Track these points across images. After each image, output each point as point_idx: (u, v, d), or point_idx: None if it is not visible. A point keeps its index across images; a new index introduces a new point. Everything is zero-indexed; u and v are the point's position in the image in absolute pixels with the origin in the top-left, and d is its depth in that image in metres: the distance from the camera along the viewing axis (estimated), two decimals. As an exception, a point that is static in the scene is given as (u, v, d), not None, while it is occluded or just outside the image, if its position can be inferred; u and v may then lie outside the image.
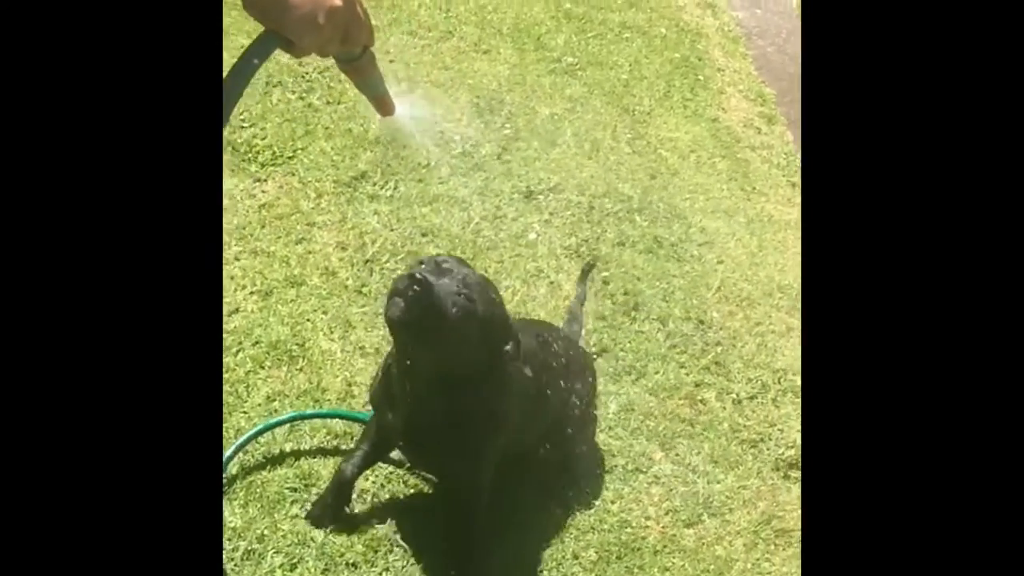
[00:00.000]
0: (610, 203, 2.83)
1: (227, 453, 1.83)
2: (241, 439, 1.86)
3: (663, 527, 1.97)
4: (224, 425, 1.94)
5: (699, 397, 2.28)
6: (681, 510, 2.01)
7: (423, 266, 1.51)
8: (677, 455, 2.13)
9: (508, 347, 1.56)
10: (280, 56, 3.14)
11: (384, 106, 1.30)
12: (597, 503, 1.98)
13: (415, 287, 1.44)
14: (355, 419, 1.98)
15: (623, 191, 2.89)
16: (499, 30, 3.57)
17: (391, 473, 1.94)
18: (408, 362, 1.59)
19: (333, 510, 1.80)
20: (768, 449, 2.19)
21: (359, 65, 1.19)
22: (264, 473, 1.88)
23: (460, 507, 1.78)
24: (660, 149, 3.14)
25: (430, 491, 1.91)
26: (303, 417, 1.97)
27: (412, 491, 1.92)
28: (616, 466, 2.07)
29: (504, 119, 3.10)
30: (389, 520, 1.85)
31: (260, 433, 1.90)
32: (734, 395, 2.29)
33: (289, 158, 2.73)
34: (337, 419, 1.99)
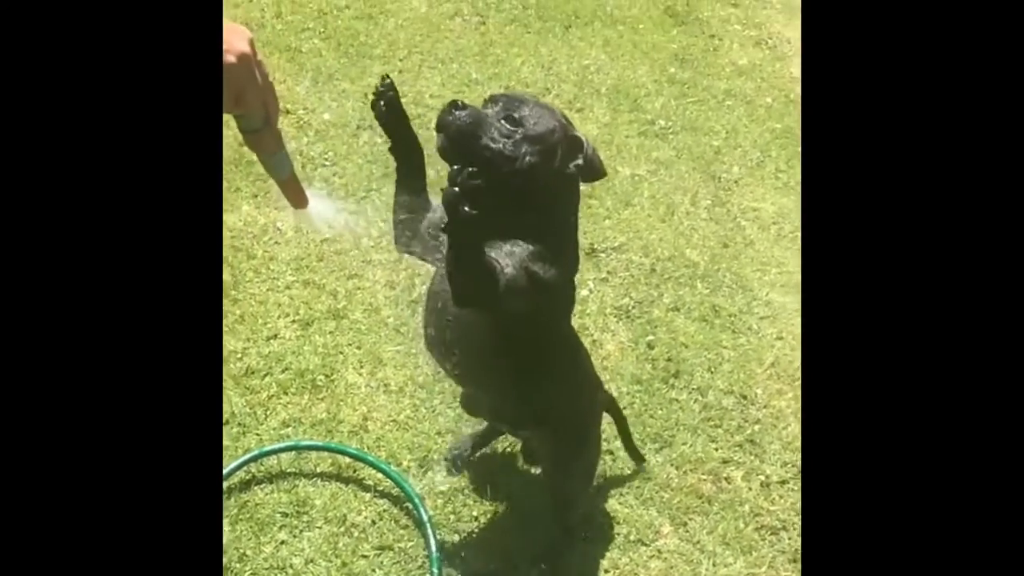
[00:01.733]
0: (673, 267, 2.77)
1: (225, 470, 1.90)
2: (236, 462, 1.93)
3: (654, 604, 1.88)
4: (236, 444, 2.02)
5: (724, 475, 2.17)
6: (678, 589, 1.91)
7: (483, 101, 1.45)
8: (687, 532, 2.03)
9: (576, 163, 1.46)
10: (375, 101, 3.21)
11: (293, 195, 1.28)
12: (587, 569, 1.92)
13: (453, 111, 1.38)
14: (358, 458, 2.01)
15: (690, 256, 2.83)
16: (597, 90, 3.59)
17: (384, 511, 1.95)
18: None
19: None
20: (790, 539, 2.05)
21: (260, 138, 1.19)
22: (261, 494, 1.94)
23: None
24: (740, 218, 3.05)
25: (417, 535, 1.91)
26: (300, 448, 2.01)
27: (402, 530, 1.92)
28: (618, 535, 2.00)
29: (582, 176, 3.10)
30: (371, 556, 1.86)
31: (256, 458, 1.96)
32: (763, 477, 2.17)
33: (362, 198, 2.83)
34: (339, 454, 2.02)
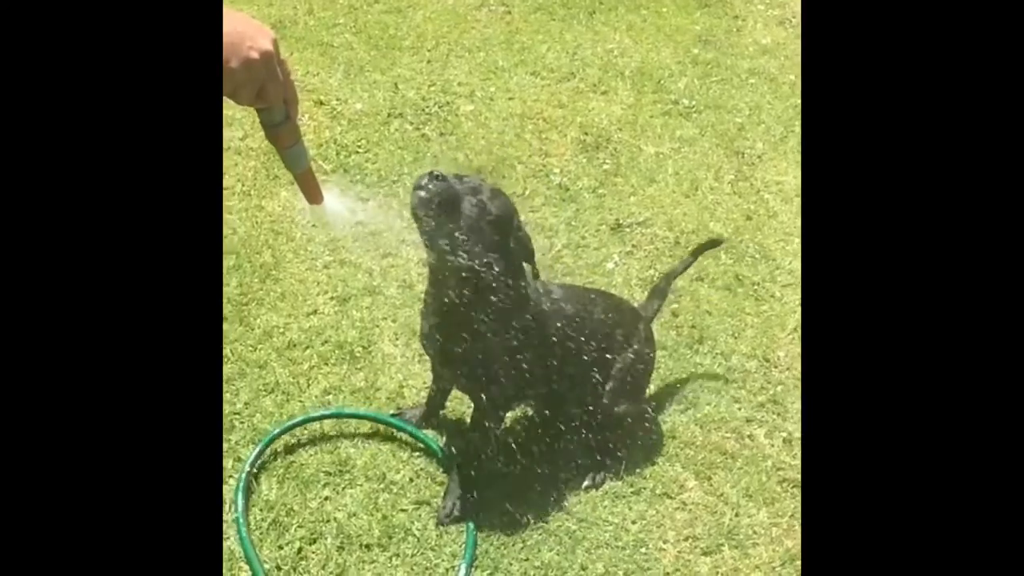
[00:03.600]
0: (697, 239, 2.84)
1: (271, 435, 2.03)
2: (279, 428, 2.05)
3: (679, 552, 1.96)
4: (281, 411, 2.14)
5: (747, 433, 2.25)
6: (702, 538, 1.99)
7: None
8: (711, 485, 2.11)
9: (527, 265, 1.81)
10: (405, 91, 3.37)
11: (308, 189, 1.36)
12: (616, 520, 2.01)
13: (434, 178, 1.64)
14: (391, 424, 2.12)
15: (714, 229, 2.90)
16: (621, 73, 3.68)
17: (421, 469, 2.06)
18: (435, 263, 1.76)
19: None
20: (811, 491, 2.12)
21: (280, 132, 1.27)
22: (305, 455, 2.05)
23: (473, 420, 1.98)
24: (763, 192, 3.12)
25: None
26: (341, 415, 2.13)
27: (438, 486, 2.02)
28: (645, 488, 2.08)
29: (607, 155, 3.19)
30: (410, 510, 1.97)
31: (298, 425, 2.08)
32: (786, 434, 2.25)
33: (393, 182, 2.95)
34: (373, 422, 2.14)
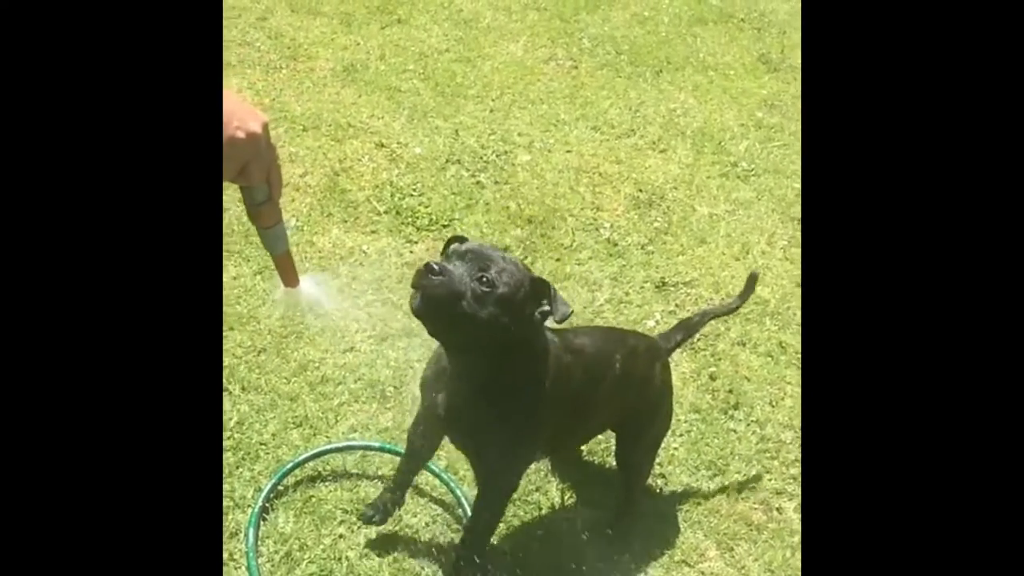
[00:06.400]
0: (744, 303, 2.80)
1: (284, 468, 2.05)
2: (293, 462, 2.08)
3: (692, 623, 1.91)
4: (307, 444, 2.16)
5: (776, 505, 2.19)
6: (718, 611, 1.94)
7: (450, 252, 1.55)
8: (733, 556, 2.06)
9: (541, 310, 1.55)
10: (466, 137, 3.42)
11: (286, 272, 1.37)
12: (630, 584, 1.97)
13: (429, 275, 1.46)
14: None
15: (761, 294, 2.85)
16: (682, 132, 3.68)
17: (438, 515, 2.05)
18: (447, 345, 1.62)
19: (385, 511, 1.96)
20: (838, 571, 2.05)
21: (261, 212, 1.28)
22: (325, 490, 2.07)
23: (485, 489, 1.79)
24: (817, 259, 3.06)
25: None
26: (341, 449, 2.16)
27: (453, 533, 2.01)
28: (663, 554, 2.04)
29: (660, 213, 3.18)
30: (421, 556, 1.96)
31: (304, 462, 2.10)
32: (816, 510, 2.18)
33: (444, 226, 2.99)
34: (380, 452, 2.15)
